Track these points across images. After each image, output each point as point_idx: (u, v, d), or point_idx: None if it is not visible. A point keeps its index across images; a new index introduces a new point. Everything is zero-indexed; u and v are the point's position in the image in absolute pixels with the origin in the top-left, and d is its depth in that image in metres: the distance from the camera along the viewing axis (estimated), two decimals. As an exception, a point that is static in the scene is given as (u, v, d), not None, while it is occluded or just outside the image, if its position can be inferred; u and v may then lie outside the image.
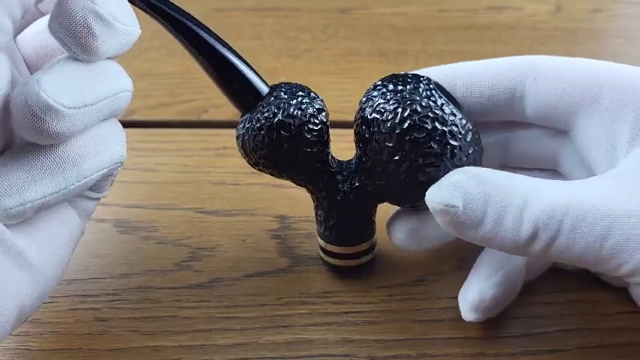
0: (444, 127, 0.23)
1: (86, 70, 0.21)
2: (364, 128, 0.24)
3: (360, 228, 0.27)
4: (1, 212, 0.20)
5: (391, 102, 0.24)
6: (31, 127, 0.20)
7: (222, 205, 0.32)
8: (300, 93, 0.25)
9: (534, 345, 0.26)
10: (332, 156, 0.26)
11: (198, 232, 0.31)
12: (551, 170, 0.28)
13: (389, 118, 0.23)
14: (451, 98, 0.25)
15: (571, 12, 0.51)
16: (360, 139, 0.25)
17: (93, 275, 0.28)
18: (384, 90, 0.24)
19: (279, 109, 0.24)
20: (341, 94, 0.40)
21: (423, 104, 0.23)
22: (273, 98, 0.25)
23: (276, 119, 0.24)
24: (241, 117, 0.25)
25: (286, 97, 0.25)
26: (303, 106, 0.24)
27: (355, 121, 0.25)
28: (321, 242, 0.28)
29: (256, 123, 0.24)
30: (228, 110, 0.37)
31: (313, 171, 0.26)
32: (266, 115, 0.24)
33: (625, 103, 0.24)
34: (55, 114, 0.20)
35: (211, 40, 0.24)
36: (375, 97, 0.24)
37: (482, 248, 0.27)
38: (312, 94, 0.25)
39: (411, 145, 0.23)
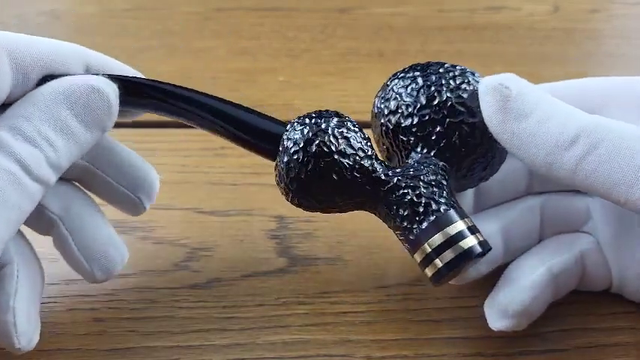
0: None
1: None
2: (387, 110, 0.24)
3: (446, 197, 0.23)
4: None
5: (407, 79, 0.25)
6: None
7: (220, 205, 0.32)
8: (325, 115, 0.24)
9: (533, 345, 0.26)
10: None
11: (196, 232, 0.31)
12: (573, 191, 0.27)
13: (405, 78, 0.25)
14: None
15: (569, 12, 0.51)
16: (391, 130, 0.24)
17: (91, 275, 0.28)
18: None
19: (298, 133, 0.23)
20: (340, 94, 0.40)
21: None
22: (289, 131, 0.23)
23: (304, 140, 0.23)
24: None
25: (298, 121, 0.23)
26: (322, 122, 0.23)
27: (378, 121, 0.25)
28: (419, 255, 0.23)
29: (286, 149, 0.23)
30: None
31: (364, 178, 0.23)
32: (292, 140, 0.23)
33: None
34: None
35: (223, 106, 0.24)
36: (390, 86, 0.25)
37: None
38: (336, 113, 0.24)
39: (434, 71, 0.24)
